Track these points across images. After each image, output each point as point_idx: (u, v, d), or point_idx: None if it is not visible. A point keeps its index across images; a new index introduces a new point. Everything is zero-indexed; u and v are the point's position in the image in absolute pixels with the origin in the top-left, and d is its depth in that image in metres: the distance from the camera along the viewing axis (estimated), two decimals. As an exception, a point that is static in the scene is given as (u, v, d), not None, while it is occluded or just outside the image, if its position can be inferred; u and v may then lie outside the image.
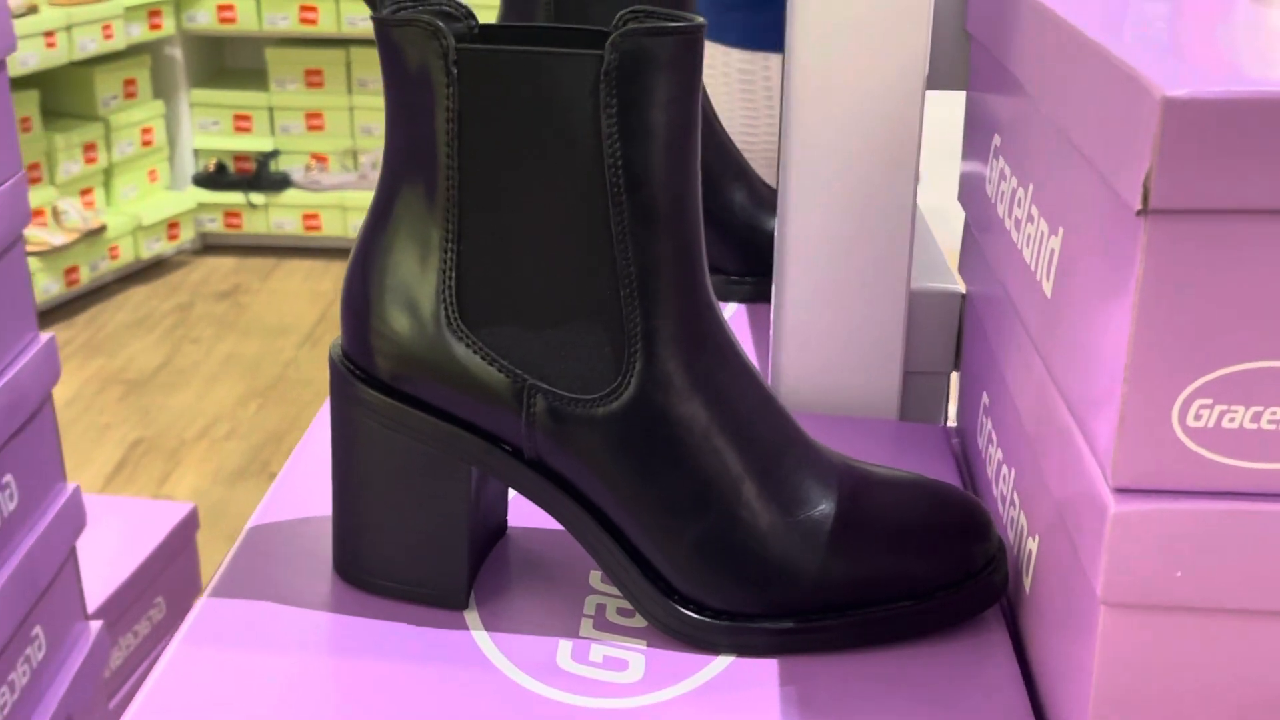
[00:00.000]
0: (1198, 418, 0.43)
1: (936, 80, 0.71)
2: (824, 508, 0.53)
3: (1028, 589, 0.54)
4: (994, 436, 0.63)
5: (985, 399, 0.65)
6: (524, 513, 0.62)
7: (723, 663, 0.52)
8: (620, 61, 0.48)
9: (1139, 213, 0.41)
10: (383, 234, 0.52)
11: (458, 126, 0.50)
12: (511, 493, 0.63)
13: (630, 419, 0.51)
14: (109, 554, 1.45)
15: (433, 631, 0.53)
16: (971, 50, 0.70)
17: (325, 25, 3.18)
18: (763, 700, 0.50)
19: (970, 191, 0.69)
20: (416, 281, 0.51)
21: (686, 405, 0.51)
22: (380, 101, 3.25)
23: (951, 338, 0.75)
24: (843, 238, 0.70)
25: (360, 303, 0.53)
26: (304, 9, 3.18)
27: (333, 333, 2.91)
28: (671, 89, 0.49)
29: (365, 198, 3.24)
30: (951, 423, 0.76)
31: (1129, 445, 0.43)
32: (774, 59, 1.12)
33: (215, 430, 2.49)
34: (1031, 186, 0.55)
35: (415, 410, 0.52)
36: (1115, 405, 0.43)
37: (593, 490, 0.52)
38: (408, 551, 0.54)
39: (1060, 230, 0.50)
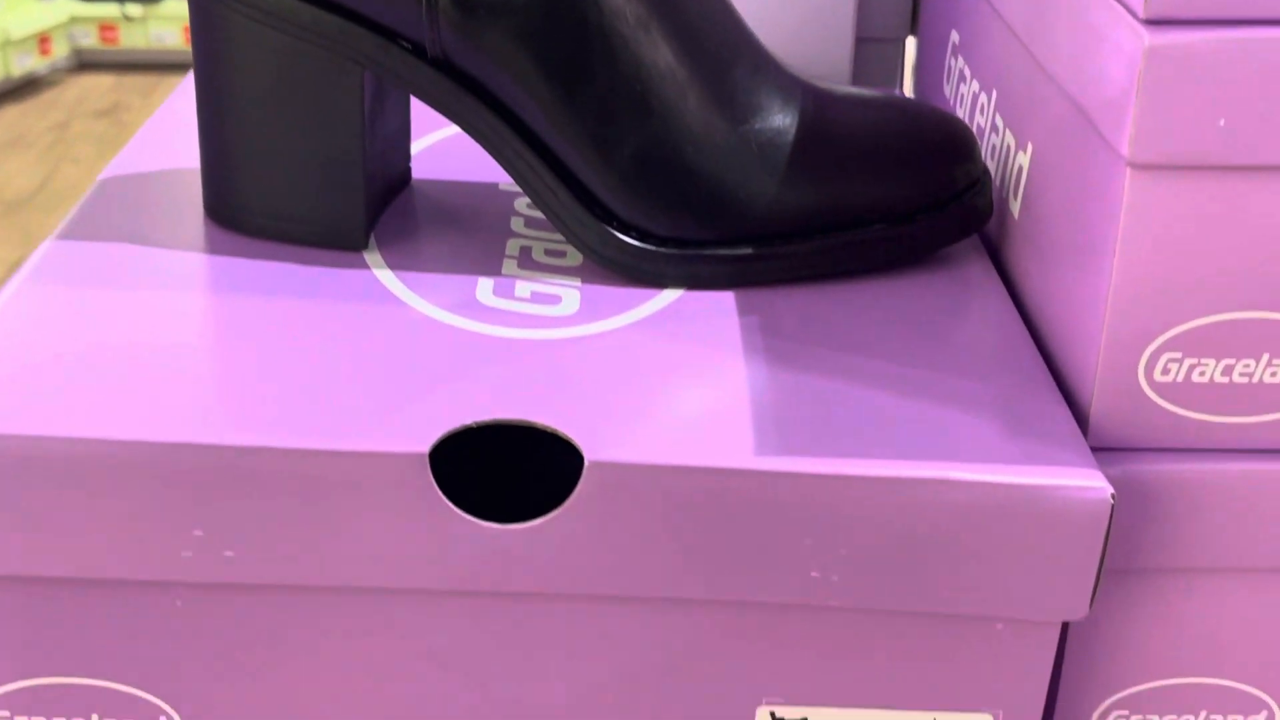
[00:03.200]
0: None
1: None
2: (783, 119, 0.45)
3: (1016, 213, 0.47)
4: (966, 73, 0.55)
5: (954, 38, 0.57)
6: (430, 166, 0.53)
7: (670, 295, 0.45)
8: None
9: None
10: None
11: None
12: (416, 144, 0.54)
13: (553, 5, 0.42)
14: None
15: (328, 270, 0.44)
16: None
17: None
18: (719, 329, 0.42)
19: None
20: None
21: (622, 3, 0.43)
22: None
23: (907, 1, 0.67)
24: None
25: None
26: None
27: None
28: None
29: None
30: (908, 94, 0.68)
31: (1167, -38, 0.35)
32: None
33: (100, 247, 2.36)
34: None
35: (299, 1, 0.43)
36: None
37: (511, 95, 0.44)
38: (291, 181, 0.45)
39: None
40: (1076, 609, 0.38)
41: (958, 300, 0.45)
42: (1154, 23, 0.35)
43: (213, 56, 0.45)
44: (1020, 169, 0.47)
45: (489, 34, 0.43)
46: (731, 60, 0.44)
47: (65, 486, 0.36)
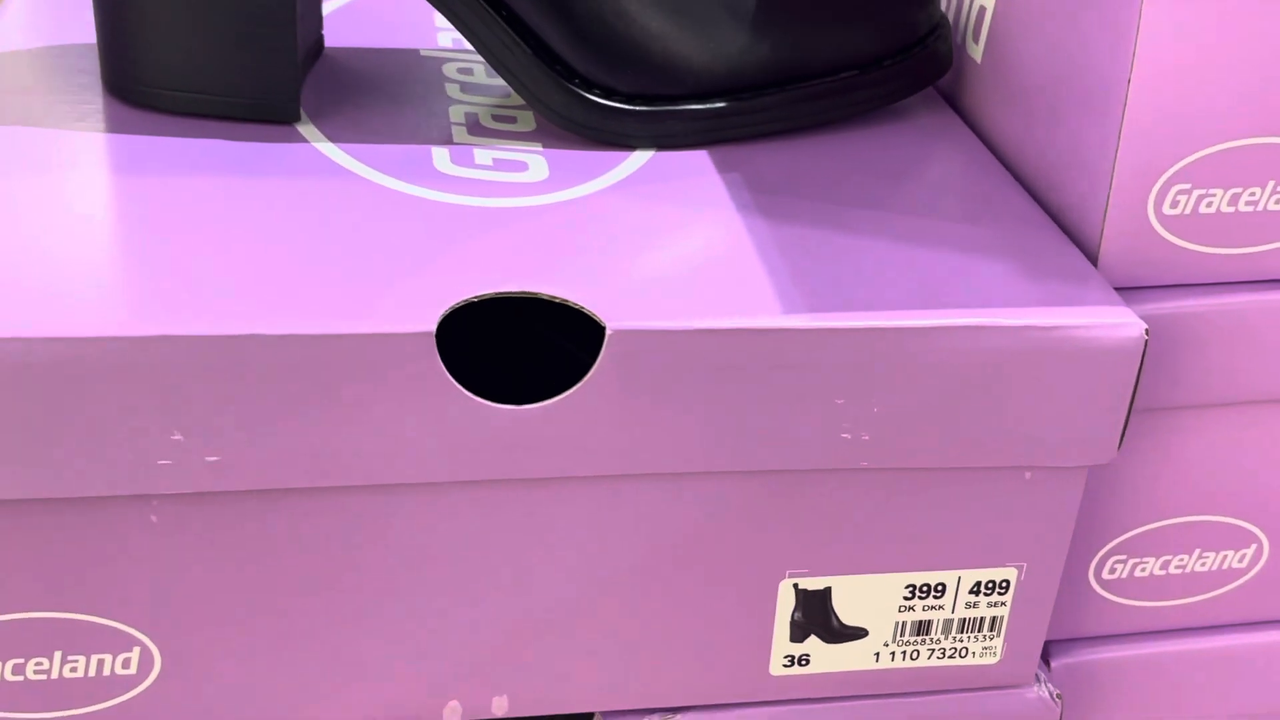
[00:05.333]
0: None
1: None
2: None
3: (979, 58, 0.45)
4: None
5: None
6: (337, 32, 0.48)
7: (642, 157, 0.41)
8: None
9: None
10: None
11: None
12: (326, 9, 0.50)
13: None
14: None
15: (265, 146, 0.40)
16: None
17: None
18: (701, 187, 0.40)
19: None
20: None
21: None
22: None
23: None
24: None
25: None
26: None
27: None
28: None
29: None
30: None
31: None
32: None
33: None
34: None
35: None
36: None
37: (460, -58, 0.40)
38: (210, 47, 0.40)
39: None
40: (1105, 452, 0.37)
41: (933, 148, 0.43)
42: None
43: (109, -93, 0.39)
44: (982, 10, 0.45)
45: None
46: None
47: (15, 396, 0.31)
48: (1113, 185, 0.37)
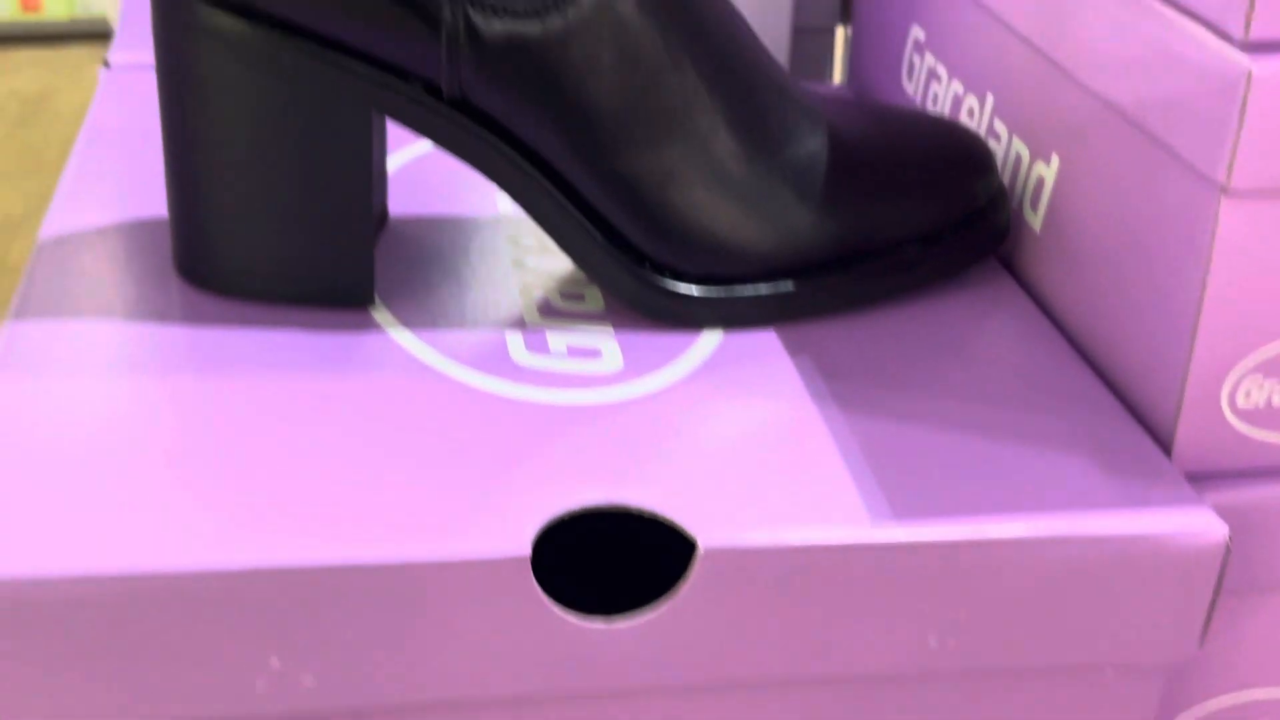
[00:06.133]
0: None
1: None
2: (813, 144, 0.42)
3: (1038, 227, 0.46)
4: (940, 72, 0.53)
5: (917, 34, 0.56)
6: (400, 199, 0.49)
7: (711, 339, 0.42)
8: None
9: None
10: None
11: None
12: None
13: (581, 33, 0.39)
14: None
15: (341, 337, 0.40)
16: None
17: None
18: (773, 376, 0.40)
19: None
20: None
21: (648, 15, 0.39)
22: None
23: (837, -14, 0.65)
24: None
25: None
26: None
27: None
28: None
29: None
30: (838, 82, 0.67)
31: None
32: None
33: None
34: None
35: (290, 39, 0.38)
36: None
37: (533, 133, 0.40)
38: (286, 236, 0.40)
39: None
40: (1186, 649, 0.37)
41: (994, 320, 0.44)
42: (1257, 47, 0.34)
43: (191, 99, 0.39)
44: (1041, 181, 0.45)
45: (513, 70, 0.39)
46: (758, 85, 0.42)
47: (119, 625, 0.31)
48: (1187, 380, 0.38)
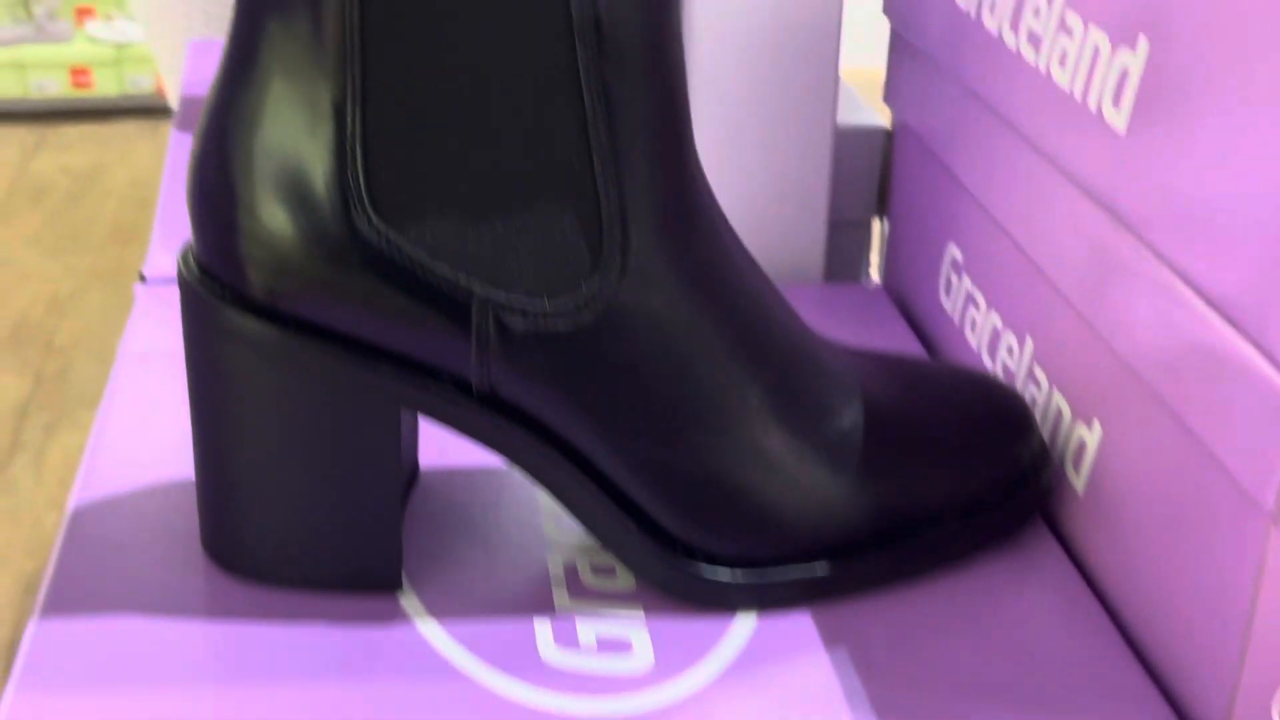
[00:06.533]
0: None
1: None
2: (849, 417, 0.42)
3: (1080, 491, 0.45)
4: (980, 299, 0.53)
5: (954, 253, 0.55)
6: (431, 448, 0.48)
7: (745, 625, 0.41)
8: None
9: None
10: (246, 95, 0.37)
11: (351, -64, 0.35)
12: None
13: (612, 327, 0.38)
14: None
15: (362, 629, 0.39)
16: None
17: None
18: (811, 669, 0.39)
19: (911, 4, 0.58)
20: (305, 159, 0.37)
21: (679, 305, 0.39)
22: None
23: (874, 180, 0.64)
24: (756, 71, 0.58)
25: (221, 194, 0.37)
26: None
27: (27, 210, 2.60)
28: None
29: (49, 54, 2.89)
30: (874, 279, 0.66)
31: (1319, 322, 0.33)
32: None
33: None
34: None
35: (316, 341, 0.38)
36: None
37: (564, 424, 0.39)
38: (315, 525, 0.40)
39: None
40: None
41: (1039, 595, 0.43)
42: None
43: (220, 398, 0.39)
44: (1083, 443, 0.44)
45: (541, 364, 0.38)
46: (793, 362, 0.41)
47: None
48: (1238, 695, 0.37)
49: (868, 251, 0.65)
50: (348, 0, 0.35)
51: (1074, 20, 0.44)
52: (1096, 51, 0.42)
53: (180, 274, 0.39)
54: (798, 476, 0.41)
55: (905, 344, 0.58)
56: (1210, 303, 0.37)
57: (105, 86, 2.95)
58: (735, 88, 0.58)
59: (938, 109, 0.56)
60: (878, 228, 0.65)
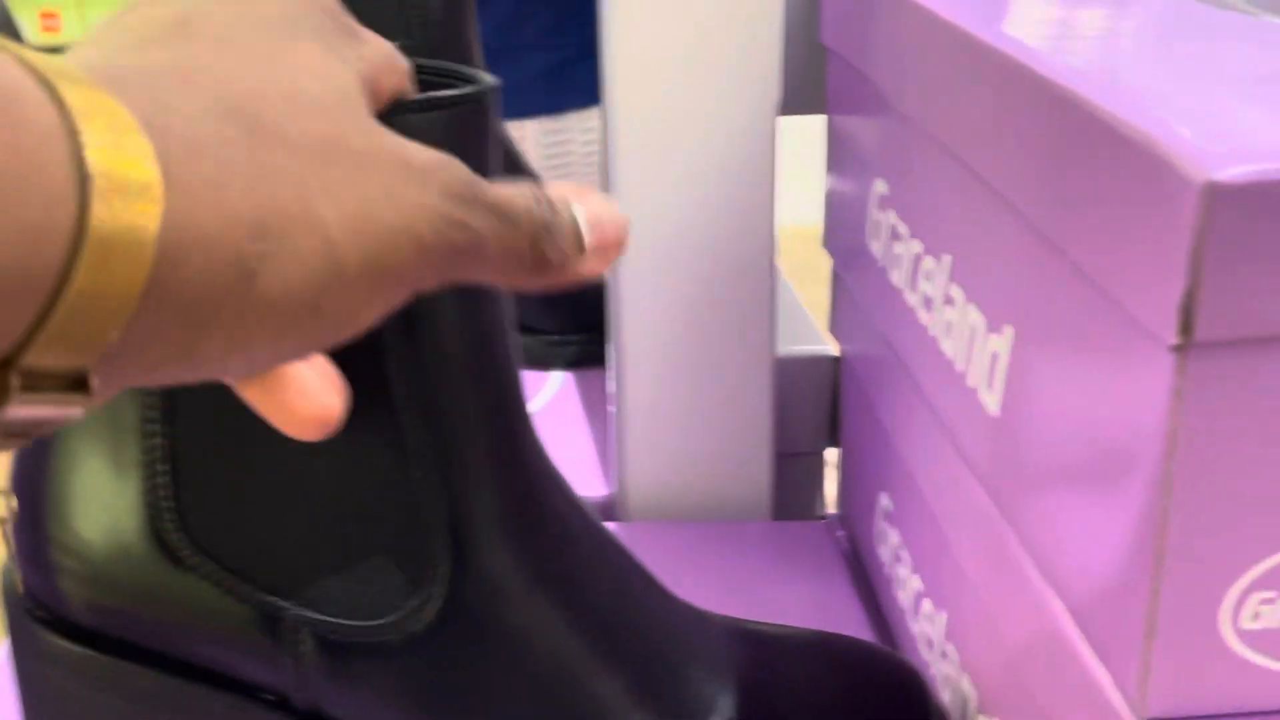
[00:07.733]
0: (1255, 617, 0.30)
1: (788, 103, 0.57)
2: (724, 704, 0.39)
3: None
4: (905, 556, 0.50)
5: (885, 502, 0.52)
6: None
7: None
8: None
9: (1174, 348, 0.28)
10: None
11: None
12: None
13: (443, 640, 0.36)
14: None
15: None
16: (830, 66, 0.57)
17: None
18: None
19: (843, 243, 0.56)
20: (111, 477, 0.36)
21: (524, 611, 0.37)
22: None
23: (824, 409, 0.62)
24: (690, 301, 0.56)
25: (33, 502, 0.36)
26: None
27: None
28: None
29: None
30: (830, 508, 0.63)
31: (1164, 661, 0.30)
32: (581, 116, 0.93)
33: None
34: (950, 260, 0.42)
35: (132, 664, 0.36)
36: (1140, 606, 0.30)
37: (397, 734, 0.37)
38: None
39: (1008, 330, 0.37)
40: None
41: None
42: None
43: (45, 713, 0.38)
44: (986, 738, 0.41)
45: (367, 679, 0.36)
46: (655, 654, 0.38)
47: None
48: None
49: (820, 483, 0.62)
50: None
51: (957, 293, 0.41)
52: (973, 330, 0.40)
53: (4, 594, 0.38)
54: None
55: (838, 592, 0.54)
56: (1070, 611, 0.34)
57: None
58: (670, 325, 0.56)
59: (867, 346, 0.53)
60: (833, 457, 0.63)
